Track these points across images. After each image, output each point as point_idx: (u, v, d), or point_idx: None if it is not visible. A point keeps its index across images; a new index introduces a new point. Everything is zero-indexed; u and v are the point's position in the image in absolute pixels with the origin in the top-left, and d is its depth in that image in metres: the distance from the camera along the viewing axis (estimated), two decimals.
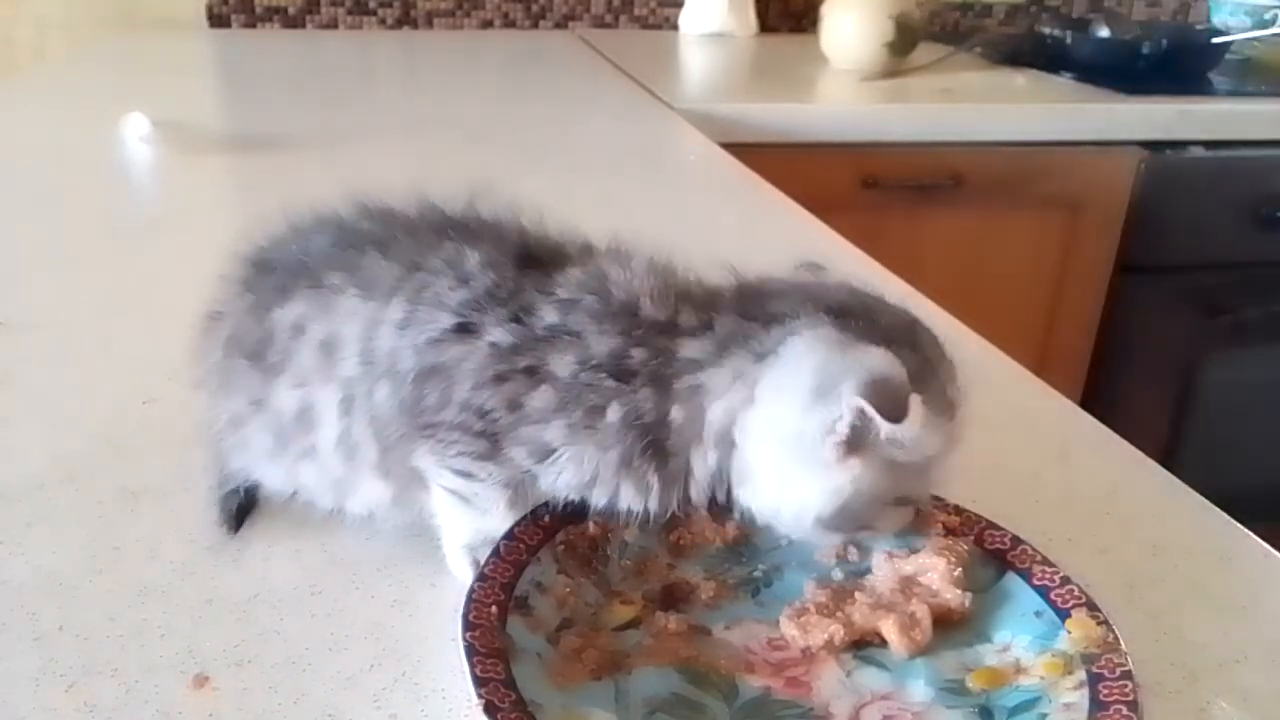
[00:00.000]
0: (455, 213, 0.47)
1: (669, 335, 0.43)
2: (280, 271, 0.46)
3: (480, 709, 0.35)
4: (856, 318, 0.42)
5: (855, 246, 0.93)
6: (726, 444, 0.43)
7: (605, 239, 0.47)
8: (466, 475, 0.44)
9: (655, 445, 0.43)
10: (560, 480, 0.43)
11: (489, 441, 0.43)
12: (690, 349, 0.43)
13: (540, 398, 0.42)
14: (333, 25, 2.04)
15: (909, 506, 0.44)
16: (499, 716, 0.34)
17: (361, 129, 1.34)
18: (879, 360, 0.40)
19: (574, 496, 0.44)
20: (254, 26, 2.01)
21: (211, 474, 0.50)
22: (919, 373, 0.41)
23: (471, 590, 0.41)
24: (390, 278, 0.44)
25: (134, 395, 0.61)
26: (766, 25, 2.18)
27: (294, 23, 2.02)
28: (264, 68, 1.77)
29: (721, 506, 0.45)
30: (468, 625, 0.38)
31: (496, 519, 0.44)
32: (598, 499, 0.44)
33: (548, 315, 0.43)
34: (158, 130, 1.18)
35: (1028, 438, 0.62)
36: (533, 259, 0.45)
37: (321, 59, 1.86)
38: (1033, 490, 0.56)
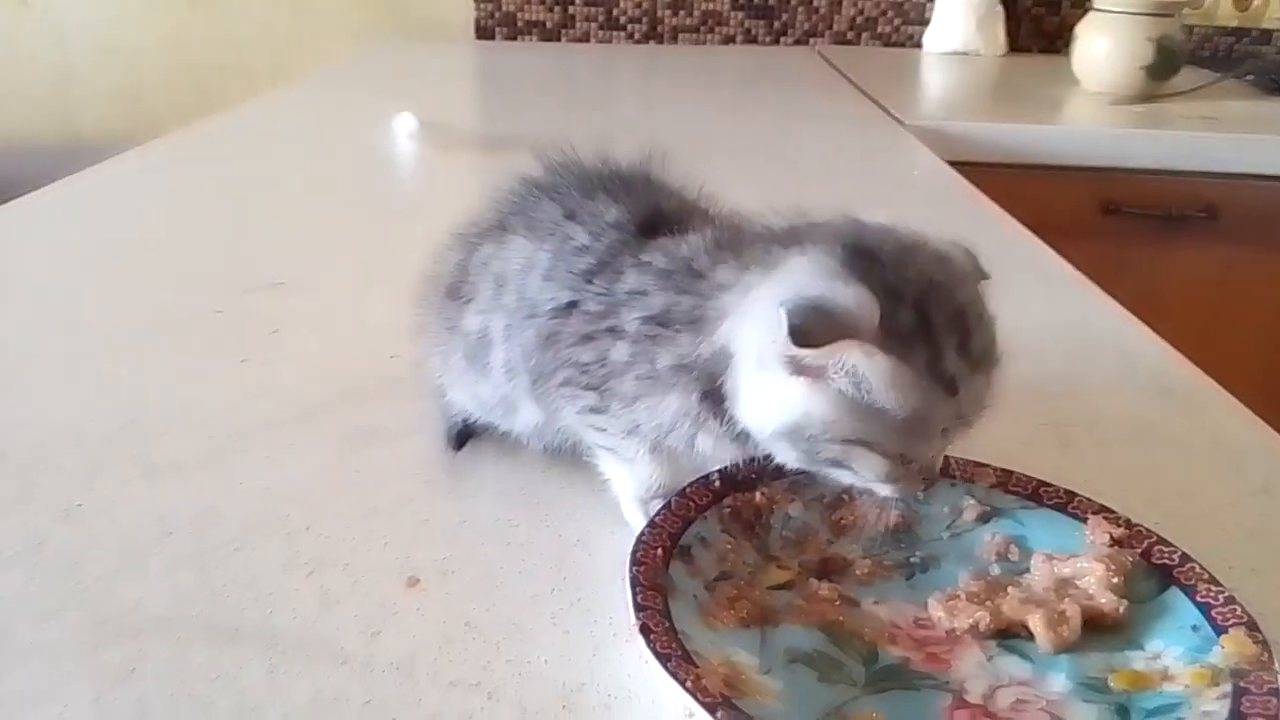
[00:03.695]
0: (621, 168, 0.53)
1: (709, 278, 0.46)
2: (480, 228, 0.55)
3: (636, 629, 0.39)
4: (873, 260, 0.42)
5: (1089, 275, 0.90)
6: (729, 359, 0.44)
7: (724, 210, 0.51)
8: (600, 429, 0.50)
9: (705, 388, 0.45)
10: (646, 427, 0.48)
11: (596, 394, 0.48)
12: (719, 275, 0.45)
13: (618, 352, 0.47)
14: (585, 39, 2.17)
15: (892, 460, 0.43)
16: (651, 638, 0.39)
17: (598, 135, 1.43)
18: (835, 291, 0.40)
19: (669, 443, 0.48)
20: (515, 39, 2.17)
21: (436, 411, 0.59)
22: (908, 331, 0.41)
23: (641, 534, 0.45)
24: (549, 221, 0.51)
25: (380, 351, 0.70)
26: (1017, 45, 2.11)
27: (551, 36, 2.17)
28: (520, 76, 1.91)
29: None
30: (634, 561, 0.43)
31: (646, 466, 0.49)
32: (678, 442, 0.47)
33: (629, 279, 0.47)
34: (423, 129, 1.31)
35: (1230, 469, 0.60)
36: (658, 220, 0.49)
37: (572, 70, 1.98)
38: (1225, 519, 0.55)
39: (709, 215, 0.51)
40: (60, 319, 0.77)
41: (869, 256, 0.42)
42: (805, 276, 0.42)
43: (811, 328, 0.39)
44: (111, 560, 0.48)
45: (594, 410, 0.49)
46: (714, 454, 0.48)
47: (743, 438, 0.46)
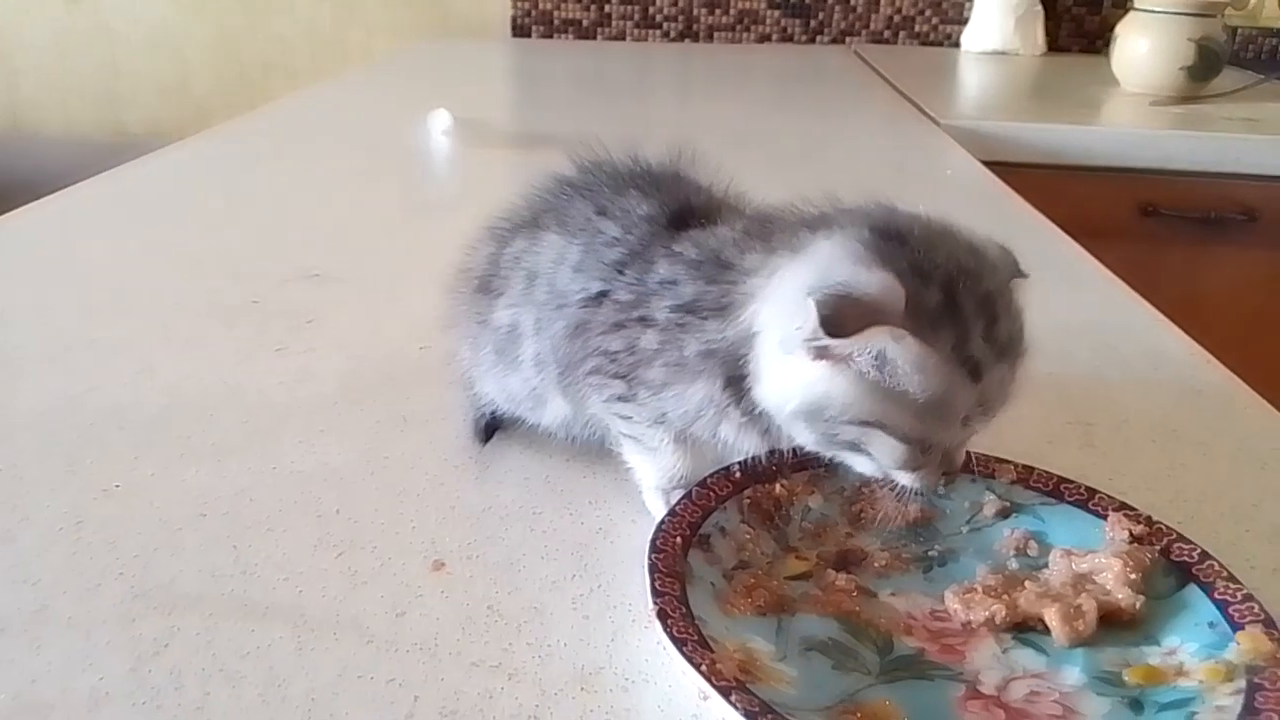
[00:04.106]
0: (651, 165, 0.54)
1: (736, 267, 0.46)
2: (512, 223, 0.56)
3: (654, 614, 0.40)
4: (901, 242, 0.42)
5: (1126, 277, 0.89)
6: (752, 340, 0.44)
7: (756, 204, 0.52)
8: (626, 418, 0.50)
9: (730, 377, 0.46)
10: (671, 416, 0.48)
11: (624, 383, 0.49)
12: (747, 261, 0.46)
13: (647, 340, 0.47)
14: (620, 37, 2.18)
15: (910, 445, 0.43)
16: (668, 623, 0.40)
17: (631, 132, 1.43)
18: (861, 277, 0.40)
19: (694, 431, 0.48)
20: (551, 37, 2.18)
21: (465, 401, 0.60)
22: (934, 312, 0.41)
23: (661, 523, 0.46)
24: (581, 217, 0.52)
25: (412, 341, 0.72)
26: (1056, 45, 2.10)
27: (586, 34, 2.18)
28: (556, 74, 1.93)
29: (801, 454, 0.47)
30: (653, 548, 0.44)
31: (669, 456, 0.50)
32: (703, 433, 0.48)
33: (660, 269, 0.48)
34: (458, 125, 1.33)
35: (1256, 470, 0.59)
36: (688, 215, 0.50)
37: (607, 68, 2.00)
38: (1248, 519, 0.54)
39: (738, 209, 0.52)
40: (107, 305, 0.79)
41: (897, 238, 0.42)
42: (830, 260, 0.42)
43: (840, 316, 0.40)
44: (149, 538, 0.50)
45: (621, 399, 0.50)
46: (736, 442, 0.48)
47: (765, 426, 0.46)
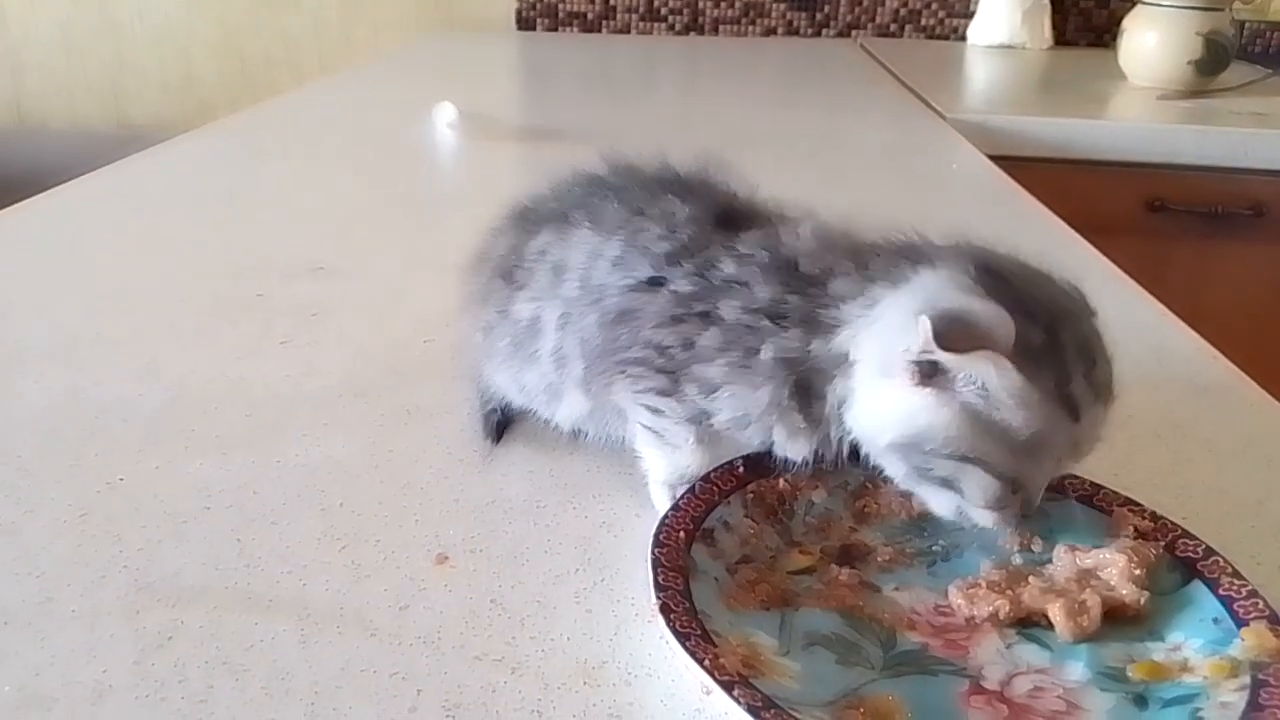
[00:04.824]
0: (681, 171, 0.53)
1: (824, 281, 0.46)
2: (539, 214, 0.55)
3: (657, 609, 0.40)
4: (1002, 281, 0.43)
5: (1133, 273, 0.89)
6: (846, 366, 0.45)
7: (797, 206, 0.51)
8: (656, 411, 0.50)
9: (802, 385, 0.46)
10: (722, 416, 0.48)
11: (668, 378, 0.48)
12: (839, 285, 0.46)
13: (708, 337, 0.47)
14: (625, 30, 2.18)
15: (1003, 483, 0.43)
16: (671, 617, 0.40)
17: (637, 126, 1.43)
18: (974, 304, 0.41)
19: (738, 434, 0.48)
20: (556, 30, 2.18)
21: (473, 396, 0.60)
22: (1038, 350, 0.41)
23: (664, 517, 0.46)
24: (617, 218, 0.51)
25: (417, 335, 0.72)
26: (1063, 38, 2.09)
27: (591, 27, 2.18)
28: (560, 67, 1.93)
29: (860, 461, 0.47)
30: (657, 543, 0.44)
31: (687, 455, 0.50)
32: (754, 438, 0.48)
33: (726, 267, 0.48)
34: (463, 118, 1.33)
35: (1263, 467, 0.59)
36: (731, 218, 0.50)
37: (612, 61, 1.99)
38: (1254, 516, 0.54)
39: (779, 214, 0.51)
40: (111, 298, 0.79)
41: (1001, 276, 0.43)
42: (941, 290, 0.43)
43: (952, 334, 0.40)
44: (153, 531, 0.50)
45: (660, 393, 0.49)
46: (787, 446, 0.48)
47: (824, 434, 0.47)
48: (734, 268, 0.47)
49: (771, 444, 0.48)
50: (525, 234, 0.55)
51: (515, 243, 0.55)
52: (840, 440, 0.47)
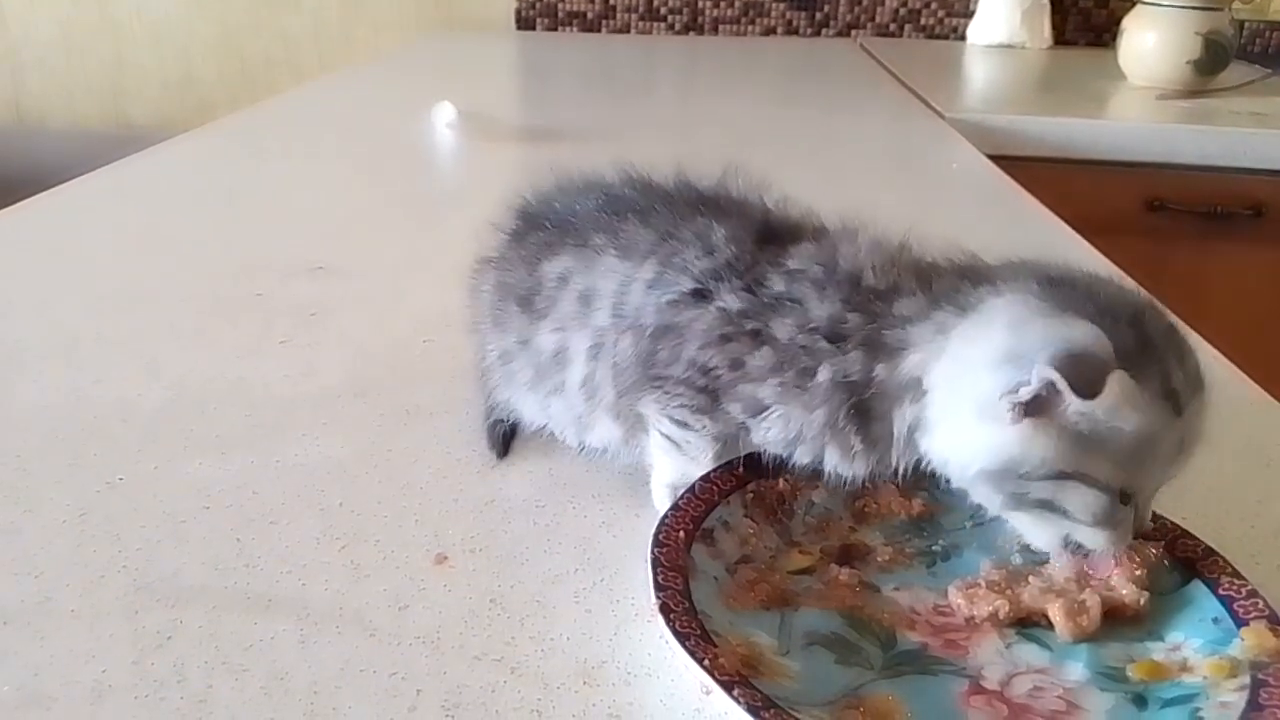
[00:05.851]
0: (708, 189, 0.52)
1: (886, 300, 0.45)
2: (550, 228, 0.53)
3: (657, 608, 0.40)
4: (1069, 290, 0.42)
5: (1132, 273, 0.89)
6: (918, 392, 0.44)
7: (838, 219, 0.50)
8: (683, 425, 0.49)
9: (860, 407, 0.45)
10: (769, 435, 0.47)
11: (709, 396, 0.47)
12: (903, 306, 0.45)
13: (760, 357, 0.46)
14: (625, 30, 2.17)
15: (1110, 496, 0.42)
16: (671, 617, 0.40)
17: (638, 125, 1.44)
18: (1080, 332, 0.40)
19: (781, 453, 0.47)
20: (555, 29, 2.18)
21: (480, 405, 0.59)
22: (1135, 351, 0.40)
23: (664, 517, 0.46)
24: (646, 243, 0.49)
25: (417, 335, 0.72)
26: (1063, 38, 2.09)
27: (591, 27, 2.18)
28: (560, 67, 1.93)
29: (913, 479, 0.47)
30: (656, 543, 0.44)
31: (702, 467, 0.49)
32: (801, 457, 0.47)
33: (776, 284, 0.46)
34: (462, 118, 1.32)
35: (1262, 467, 0.59)
36: (772, 235, 0.49)
37: (612, 60, 1.99)
38: (1253, 515, 0.54)
39: (822, 227, 0.50)
40: (111, 298, 0.79)
41: (1067, 284, 0.42)
42: (1016, 320, 0.41)
43: (1082, 378, 0.39)
44: (153, 531, 0.50)
45: (696, 410, 0.48)
46: (839, 466, 0.47)
47: (881, 454, 0.45)
48: (784, 284, 0.46)
49: (816, 462, 0.47)
50: (540, 253, 0.53)
51: (528, 262, 0.53)
52: (900, 460, 0.46)
